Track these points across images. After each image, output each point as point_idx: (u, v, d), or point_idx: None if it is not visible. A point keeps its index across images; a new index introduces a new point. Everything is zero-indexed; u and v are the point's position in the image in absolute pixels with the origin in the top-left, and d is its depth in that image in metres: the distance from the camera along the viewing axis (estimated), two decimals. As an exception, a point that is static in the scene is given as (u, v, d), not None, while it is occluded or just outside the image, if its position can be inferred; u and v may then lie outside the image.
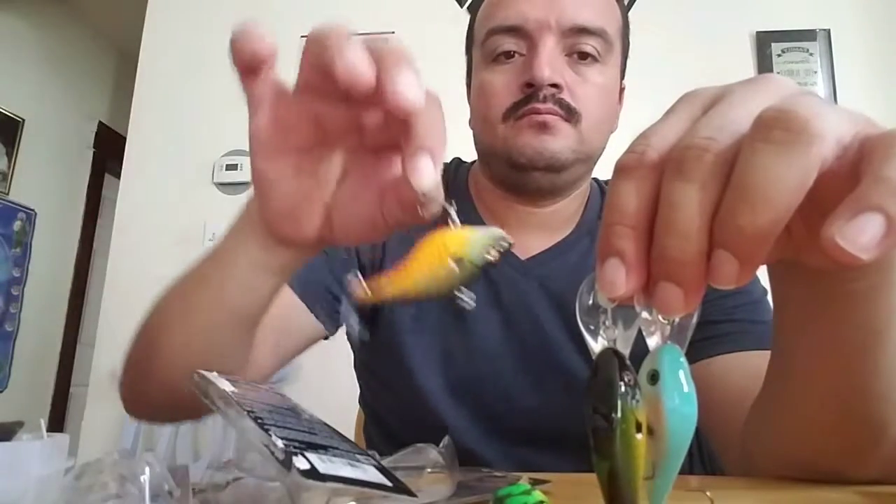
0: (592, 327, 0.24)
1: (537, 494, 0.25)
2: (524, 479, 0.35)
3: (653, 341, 0.23)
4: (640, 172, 0.22)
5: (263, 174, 0.35)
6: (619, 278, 0.21)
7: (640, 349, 0.23)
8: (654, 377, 0.22)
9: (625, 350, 0.23)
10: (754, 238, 0.19)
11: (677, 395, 0.21)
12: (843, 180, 0.20)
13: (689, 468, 0.80)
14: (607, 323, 0.23)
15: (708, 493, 0.30)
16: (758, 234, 0.19)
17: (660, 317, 0.22)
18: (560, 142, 0.58)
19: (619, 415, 0.21)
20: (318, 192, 0.34)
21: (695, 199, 0.20)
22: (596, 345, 0.24)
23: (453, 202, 0.30)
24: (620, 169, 0.22)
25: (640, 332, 0.23)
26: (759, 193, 0.19)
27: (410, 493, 0.26)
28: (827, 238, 0.18)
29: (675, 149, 0.21)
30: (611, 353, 0.22)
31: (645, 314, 0.23)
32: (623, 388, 0.21)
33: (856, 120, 0.21)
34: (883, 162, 0.19)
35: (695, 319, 0.23)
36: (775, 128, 0.19)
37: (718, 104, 0.22)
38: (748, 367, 0.50)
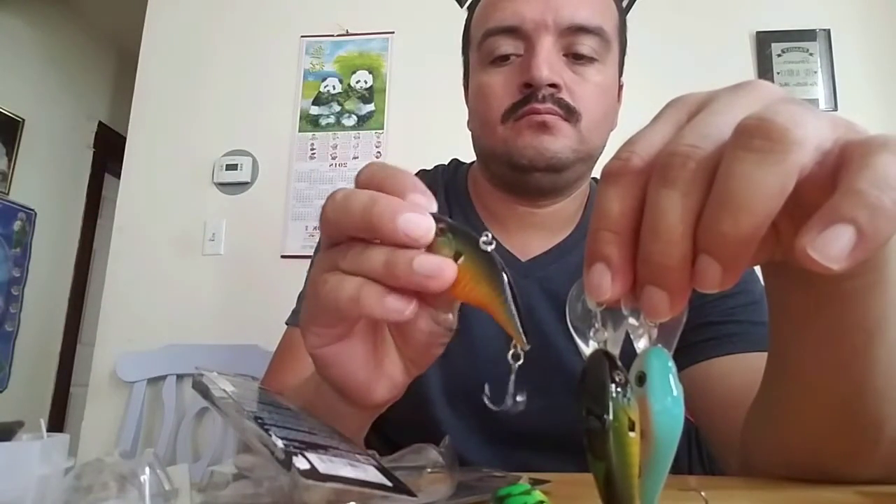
0: (584, 331, 0.24)
1: (537, 494, 0.25)
2: (524, 479, 0.35)
3: (640, 344, 0.23)
4: (626, 179, 0.22)
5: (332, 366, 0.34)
6: (604, 283, 0.22)
7: (632, 348, 0.24)
8: (641, 379, 0.22)
9: (615, 351, 0.23)
10: (736, 243, 0.20)
11: (665, 397, 0.22)
12: (825, 185, 0.20)
13: (688, 469, 0.80)
14: (597, 325, 0.24)
15: (703, 494, 0.30)
16: (739, 239, 0.20)
17: (647, 320, 0.23)
18: (560, 141, 0.58)
19: (610, 415, 0.21)
20: (385, 353, 0.35)
21: (678, 205, 0.21)
22: (587, 348, 0.24)
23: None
24: (606, 175, 0.23)
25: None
26: (740, 200, 0.20)
27: (410, 493, 0.26)
28: (799, 248, 0.18)
29: (660, 155, 0.22)
30: (601, 354, 0.23)
31: (632, 320, 0.23)
32: (614, 388, 0.21)
33: (837, 125, 0.22)
34: (856, 173, 0.19)
35: (682, 322, 0.23)
36: (755, 136, 0.20)
37: (703, 111, 0.23)
38: (749, 368, 0.50)
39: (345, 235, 0.30)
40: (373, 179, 0.29)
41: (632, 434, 0.21)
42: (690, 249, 0.21)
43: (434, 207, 0.29)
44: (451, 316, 0.32)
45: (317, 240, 0.73)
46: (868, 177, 0.19)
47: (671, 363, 0.22)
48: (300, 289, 0.71)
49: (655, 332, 0.23)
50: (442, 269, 0.27)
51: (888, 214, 0.18)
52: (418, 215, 0.27)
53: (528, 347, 0.27)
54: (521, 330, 0.27)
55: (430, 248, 0.28)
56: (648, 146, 0.23)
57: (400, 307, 0.27)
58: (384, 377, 0.34)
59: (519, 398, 0.28)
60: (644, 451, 0.21)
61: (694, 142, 0.21)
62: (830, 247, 0.18)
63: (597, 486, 0.22)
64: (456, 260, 0.27)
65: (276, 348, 0.67)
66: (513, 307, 0.27)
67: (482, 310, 0.28)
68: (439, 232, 0.28)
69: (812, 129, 0.20)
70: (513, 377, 0.27)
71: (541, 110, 0.57)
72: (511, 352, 0.27)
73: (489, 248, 0.28)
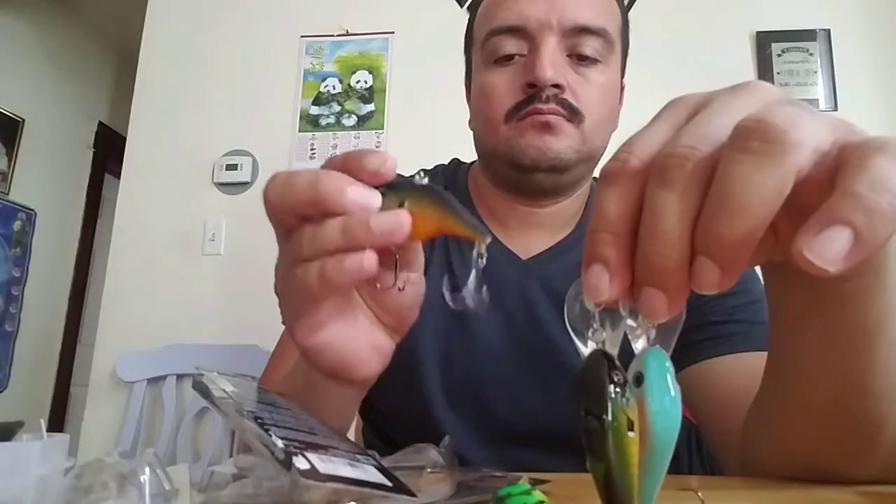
0: (582, 331, 0.24)
1: (537, 494, 0.25)
2: (524, 478, 0.35)
3: (639, 345, 0.23)
4: (623, 180, 0.22)
5: (319, 347, 0.36)
6: (602, 284, 0.22)
7: (631, 347, 0.24)
8: (639, 380, 0.22)
9: (613, 351, 0.23)
10: (733, 245, 0.20)
11: (662, 397, 0.22)
12: (823, 187, 0.20)
13: (688, 468, 0.80)
14: (595, 325, 0.24)
15: (699, 494, 0.30)
16: (736, 241, 0.20)
17: (645, 321, 0.23)
18: (563, 142, 0.58)
19: (609, 416, 0.21)
20: (366, 329, 0.37)
21: (676, 206, 0.21)
22: (586, 349, 0.24)
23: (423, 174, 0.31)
24: (604, 176, 0.23)
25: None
26: (737, 202, 0.20)
27: (410, 493, 0.26)
28: (796, 250, 0.18)
29: (657, 156, 0.22)
30: (599, 354, 0.23)
31: (630, 321, 0.23)
32: (613, 388, 0.21)
33: (835, 127, 0.22)
34: (854, 175, 0.19)
35: (681, 322, 0.23)
36: (752, 138, 0.20)
37: (702, 112, 0.23)
38: (750, 367, 0.50)
39: (292, 215, 0.31)
40: (331, 164, 0.31)
41: (631, 434, 0.21)
42: (688, 251, 0.21)
43: (391, 163, 0.30)
44: (419, 273, 0.35)
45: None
46: (865, 179, 0.19)
47: (669, 364, 0.22)
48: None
49: (654, 333, 0.23)
50: (398, 220, 0.29)
51: (885, 217, 0.18)
52: (363, 186, 0.29)
53: (489, 239, 0.29)
54: (480, 227, 0.30)
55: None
56: (646, 147, 0.23)
57: (357, 263, 0.29)
58: (371, 349, 0.36)
59: (485, 295, 0.30)
60: (641, 451, 0.22)
61: (691, 143, 0.21)
62: (827, 249, 0.18)
63: (596, 486, 0.22)
64: (401, 207, 0.30)
65: (275, 346, 0.67)
66: (464, 215, 0.30)
67: (444, 235, 0.30)
68: (381, 194, 0.30)
69: (809, 130, 0.20)
70: (474, 272, 0.30)
71: (544, 110, 0.57)
72: (475, 251, 0.30)
73: (423, 181, 0.30)
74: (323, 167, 0.32)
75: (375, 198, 0.30)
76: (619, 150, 0.23)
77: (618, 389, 0.21)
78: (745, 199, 0.19)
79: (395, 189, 0.30)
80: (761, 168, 0.20)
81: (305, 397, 0.39)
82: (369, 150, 0.31)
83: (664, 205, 0.21)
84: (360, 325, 0.36)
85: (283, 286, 0.33)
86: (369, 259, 0.29)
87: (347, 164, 0.30)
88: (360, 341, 0.36)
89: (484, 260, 0.30)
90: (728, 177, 0.20)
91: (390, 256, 0.33)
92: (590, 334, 0.24)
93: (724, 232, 0.20)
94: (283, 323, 0.37)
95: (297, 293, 0.32)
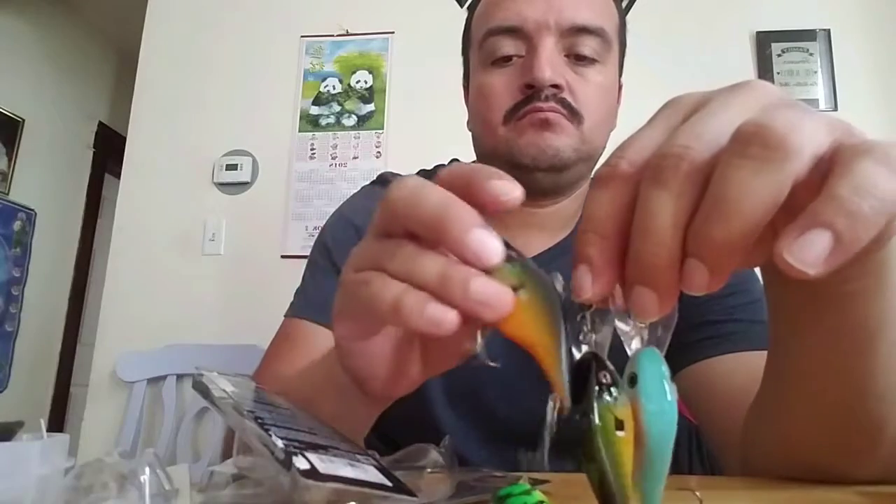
0: (576, 334, 0.24)
1: (537, 494, 0.25)
2: (524, 479, 0.35)
3: (633, 345, 0.23)
4: (613, 183, 0.23)
5: (361, 370, 0.34)
6: (585, 283, 0.22)
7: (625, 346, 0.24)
8: (633, 380, 0.22)
9: (603, 352, 0.24)
10: (724, 248, 0.20)
11: (655, 397, 0.22)
12: (818, 189, 0.20)
13: (688, 468, 0.80)
14: (586, 329, 0.24)
15: (697, 493, 0.30)
16: (728, 244, 0.20)
17: (637, 321, 0.23)
18: (563, 139, 0.58)
19: (595, 415, 0.21)
20: (409, 352, 0.34)
21: (669, 206, 0.21)
22: (579, 352, 0.24)
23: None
24: (594, 180, 0.24)
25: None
26: (732, 206, 0.20)
27: (410, 493, 0.26)
28: (777, 253, 0.19)
29: (652, 157, 0.22)
30: (589, 355, 0.23)
31: (622, 325, 0.23)
32: (598, 388, 0.22)
33: (834, 128, 0.22)
34: (839, 179, 0.19)
35: (674, 320, 0.23)
36: (752, 143, 0.20)
37: (699, 112, 0.23)
38: (749, 367, 0.50)
39: (402, 229, 0.27)
40: (456, 173, 0.27)
41: (620, 433, 0.21)
42: (679, 250, 0.21)
43: (517, 195, 0.25)
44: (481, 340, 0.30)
45: (315, 240, 0.73)
46: (849, 183, 0.19)
47: (663, 364, 0.22)
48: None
49: (647, 333, 0.23)
50: (499, 298, 0.24)
51: (866, 221, 0.18)
52: (490, 234, 0.25)
53: (569, 403, 0.23)
54: (566, 382, 0.24)
55: (491, 273, 0.25)
56: (639, 150, 0.23)
57: (438, 318, 0.25)
58: (403, 376, 0.34)
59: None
60: (639, 452, 0.22)
61: (687, 142, 0.21)
62: (806, 252, 0.18)
63: (591, 487, 0.22)
64: (515, 291, 0.25)
65: (272, 339, 0.66)
66: (564, 358, 0.24)
67: (526, 349, 0.25)
68: (506, 258, 0.25)
69: (809, 134, 0.20)
70: (546, 435, 0.24)
71: (543, 108, 0.57)
72: (550, 404, 0.24)
73: (559, 287, 0.25)
74: (448, 171, 0.27)
75: (495, 254, 0.24)
76: (611, 155, 0.23)
77: (603, 389, 0.22)
78: (742, 204, 0.20)
79: (522, 266, 0.25)
80: (759, 174, 0.20)
81: (324, 390, 0.38)
82: (500, 172, 0.26)
83: (657, 204, 0.21)
84: (400, 349, 0.33)
85: (349, 278, 0.29)
86: (451, 320, 0.24)
87: (472, 178, 0.26)
88: (394, 364, 0.33)
89: (554, 414, 0.24)
90: (725, 181, 0.20)
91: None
92: (581, 337, 0.24)
93: (717, 235, 0.20)
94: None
95: (361, 297, 0.28)
